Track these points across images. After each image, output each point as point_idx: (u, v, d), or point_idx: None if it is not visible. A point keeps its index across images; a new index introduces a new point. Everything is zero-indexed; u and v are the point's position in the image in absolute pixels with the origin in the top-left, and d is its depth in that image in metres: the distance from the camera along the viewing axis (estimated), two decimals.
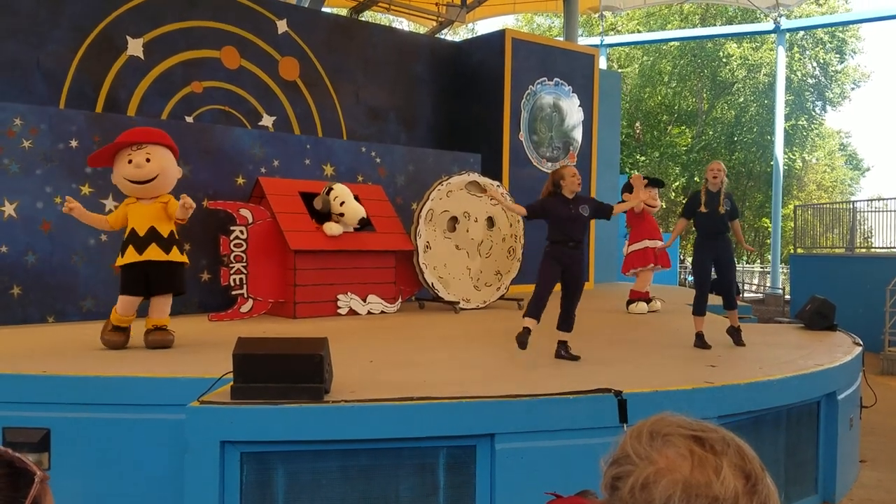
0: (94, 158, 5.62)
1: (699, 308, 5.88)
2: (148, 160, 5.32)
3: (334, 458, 3.75)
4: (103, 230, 6.16)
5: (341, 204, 7.41)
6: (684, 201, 6.63)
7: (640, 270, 8.40)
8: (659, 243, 8.20)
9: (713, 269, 5.96)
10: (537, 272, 5.31)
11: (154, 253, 5.25)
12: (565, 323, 5.29)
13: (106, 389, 4.11)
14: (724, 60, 28.08)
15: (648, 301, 8.37)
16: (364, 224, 7.41)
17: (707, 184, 5.93)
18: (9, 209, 6.38)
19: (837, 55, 28.64)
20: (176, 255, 5.36)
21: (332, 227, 7.33)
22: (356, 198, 7.56)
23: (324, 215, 7.50)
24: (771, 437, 4.77)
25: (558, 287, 5.33)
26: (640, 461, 0.96)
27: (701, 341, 5.79)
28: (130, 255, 5.26)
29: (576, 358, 5.17)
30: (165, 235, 5.30)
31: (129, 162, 5.33)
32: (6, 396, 4.08)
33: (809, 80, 29.19)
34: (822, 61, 28.74)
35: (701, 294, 5.94)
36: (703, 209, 5.87)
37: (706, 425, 1.00)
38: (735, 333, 5.93)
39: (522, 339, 5.06)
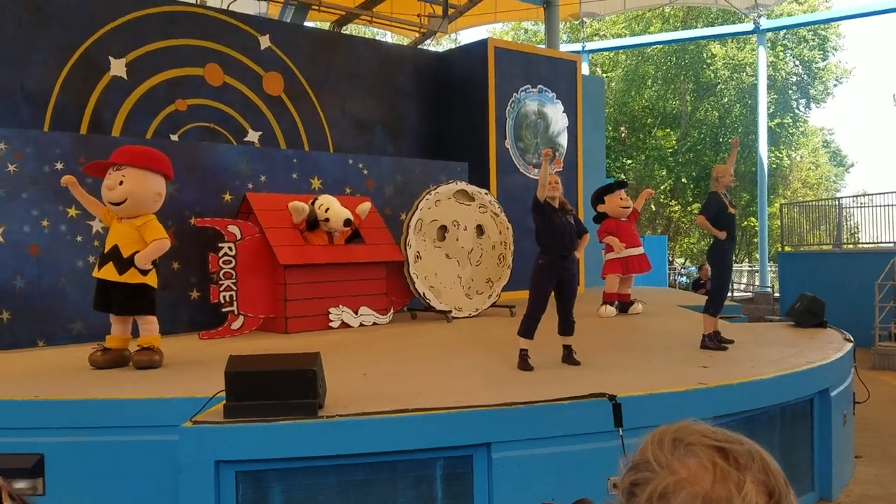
0: (89, 167, 5.61)
1: (720, 310, 5.93)
2: (121, 182, 5.29)
3: (331, 474, 3.73)
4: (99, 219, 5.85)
5: (326, 210, 7.44)
6: (702, 204, 6.33)
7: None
8: (617, 253, 8.41)
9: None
10: (532, 287, 5.21)
11: (108, 272, 5.24)
12: (569, 327, 5.28)
13: (98, 412, 4.08)
14: (708, 62, 28.26)
15: (613, 304, 8.46)
16: (349, 223, 7.40)
17: (719, 185, 5.91)
18: None
19: (820, 52, 28.89)
20: (132, 277, 5.23)
21: (297, 207, 7.30)
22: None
23: (314, 227, 7.53)
24: (765, 436, 4.78)
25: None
26: (660, 469, 0.93)
27: (720, 339, 5.85)
28: (96, 270, 5.35)
29: (577, 363, 5.18)
30: (125, 256, 5.24)
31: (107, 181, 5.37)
32: None
33: (793, 78, 29.42)
34: (805, 59, 28.98)
35: (724, 297, 6.01)
36: (731, 210, 5.88)
37: (732, 436, 0.96)
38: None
39: (527, 367, 5.02)
